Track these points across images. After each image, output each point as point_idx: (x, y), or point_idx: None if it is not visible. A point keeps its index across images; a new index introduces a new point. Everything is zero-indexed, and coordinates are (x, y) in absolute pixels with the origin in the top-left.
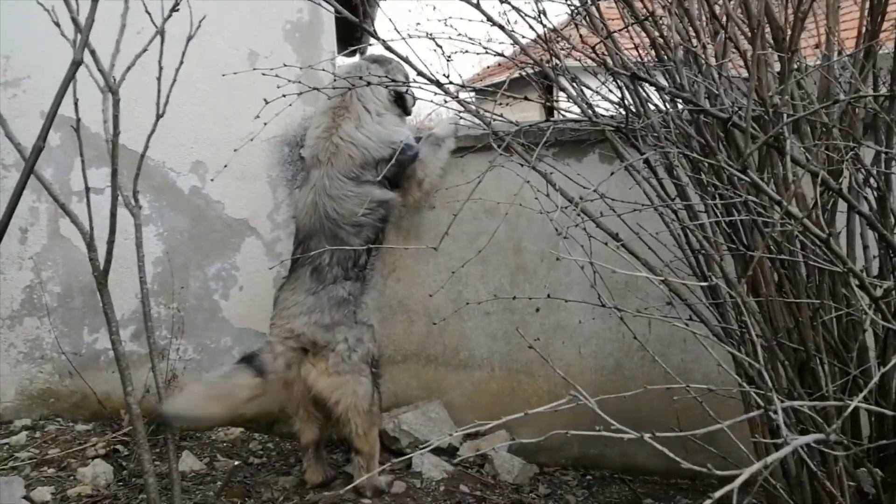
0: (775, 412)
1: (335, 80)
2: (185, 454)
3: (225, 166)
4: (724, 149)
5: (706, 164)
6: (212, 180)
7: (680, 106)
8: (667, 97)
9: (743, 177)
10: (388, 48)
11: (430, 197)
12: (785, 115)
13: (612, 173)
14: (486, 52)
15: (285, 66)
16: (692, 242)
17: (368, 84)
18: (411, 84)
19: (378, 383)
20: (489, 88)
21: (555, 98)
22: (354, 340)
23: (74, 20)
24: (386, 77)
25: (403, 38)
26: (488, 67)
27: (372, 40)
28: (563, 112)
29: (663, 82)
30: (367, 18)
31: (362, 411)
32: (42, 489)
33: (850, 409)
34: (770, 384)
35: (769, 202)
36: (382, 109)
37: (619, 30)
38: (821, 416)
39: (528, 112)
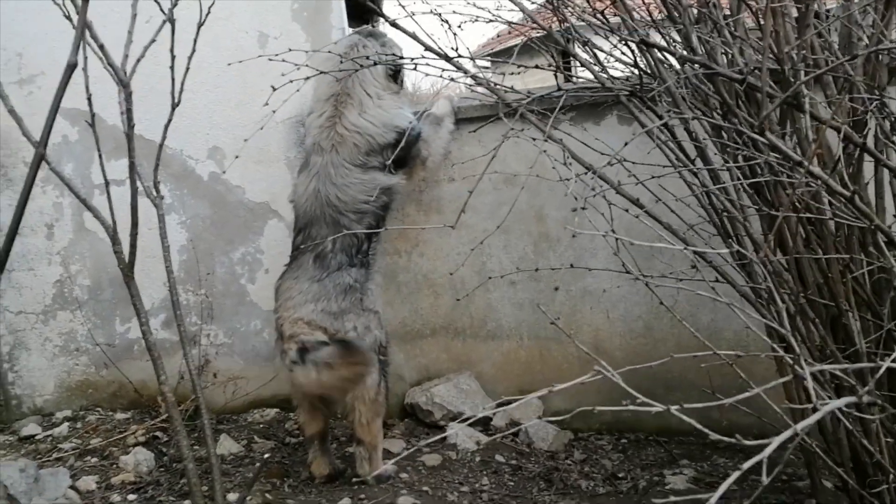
0: (804, 378)
1: (341, 62)
2: (223, 437)
3: (237, 157)
4: (743, 105)
5: (725, 125)
6: (223, 172)
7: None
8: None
9: (761, 139)
10: (396, 26)
11: (436, 173)
12: (802, 73)
13: (627, 143)
14: (496, 21)
15: (291, 50)
16: (715, 204)
17: (375, 64)
18: (416, 59)
19: (385, 371)
20: (499, 60)
21: (569, 64)
22: (363, 328)
23: (69, 18)
24: (382, 52)
25: (410, 15)
26: (498, 36)
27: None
28: (577, 78)
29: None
30: None
31: (368, 400)
32: (87, 479)
33: (882, 370)
34: (797, 349)
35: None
36: (382, 91)
37: None
38: (855, 375)
39: (543, 75)
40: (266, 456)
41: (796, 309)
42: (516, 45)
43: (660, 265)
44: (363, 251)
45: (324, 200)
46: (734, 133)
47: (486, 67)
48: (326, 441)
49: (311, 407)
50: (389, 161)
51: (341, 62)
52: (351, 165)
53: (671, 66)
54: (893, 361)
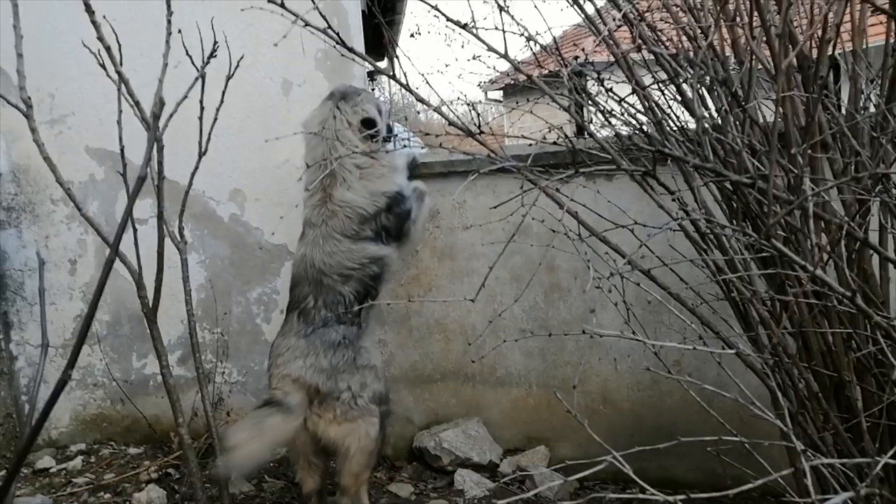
0: (805, 475)
1: (312, 136)
2: (235, 476)
3: (257, 199)
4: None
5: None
6: (240, 213)
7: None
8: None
9: (766, 245)
10: (409, 90)
11: (451, 220)
12: (809, 187)
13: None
14: (509, 76)
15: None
16: (723, 271)
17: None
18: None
19: (385, 423)
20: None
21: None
22: (359, 386)
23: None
24: (353, 116)
25: (426, 81)
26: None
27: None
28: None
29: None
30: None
31: (368, 451)
32: None
33: (880, 466)
34: (799, 446)
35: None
36: (362, 161)
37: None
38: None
39: (551, 111)
40: (276, 496)
41: (797, 404)
42: (525, 81)
43: (668, 317)
44: (351, 311)
45: (308, 262)
46: (742, 233)
47: (497, 100)
48: (324, 497)
49: (308, 463)
50: (381, 229)
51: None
52: (341, 236)
53: (685, 144)
54: (892, 458)
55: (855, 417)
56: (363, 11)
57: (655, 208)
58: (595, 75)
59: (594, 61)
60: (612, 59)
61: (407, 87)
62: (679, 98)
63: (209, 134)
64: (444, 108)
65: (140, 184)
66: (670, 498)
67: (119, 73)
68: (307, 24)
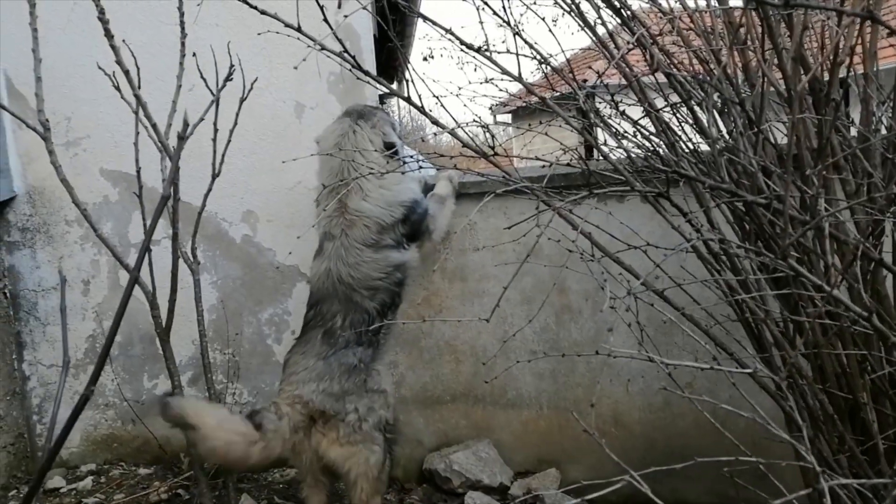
0: (823, 495)
1: (328, 151)
2: (244, 497)
3: (269, 220)
4: (767, 223)
5: (749, 248)
6: (252, 234)
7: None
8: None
9: (782, 264)
10: (423, 113)
11: (462, 242)
12: (823, 208)
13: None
14: (521, 99)
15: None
16: (735, 290)
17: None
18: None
19: (392, 449)
20: (532, 158)
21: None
22: (365, 409)
23: (118, 88)
24: (372, 135)
25: (441, 104)
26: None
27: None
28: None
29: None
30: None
31: (371, 478)
32: None
33: None
34: (816, 467)
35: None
36: (379, 170)
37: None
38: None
39: (563, 133)
40: None
41: (812, 426)
42: (534, 107)
43: (680, 337)
44: (373, 329)
45: (335, 278)
46: (755, 253)
47: (507, 123)
48: None
49: (315, 481)
50: (401, 237)
51: (340, 148)
52: (363, 246)
53: (697, 166)
54: None
55: (870, 440)
56: (374, 36)
57: (666, 230)
58: (607, 98)
59: (607, 84)
60: (622, 81)
61: (422, 110)
62: (691, 121)
63: (223, 156)
64: (457, 130)
65: (164, 203)
66: None
67: (137, 96)
68: (323, 48)
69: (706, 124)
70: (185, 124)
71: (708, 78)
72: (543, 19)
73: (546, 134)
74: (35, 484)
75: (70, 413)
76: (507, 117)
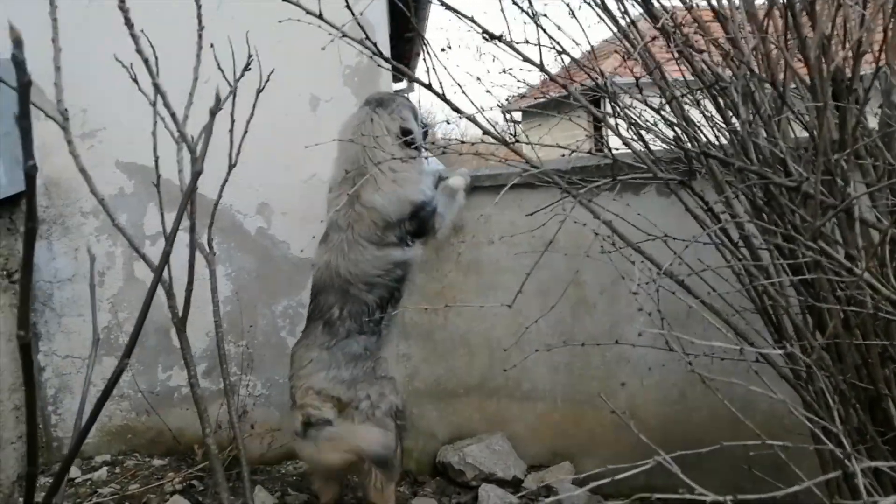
0: (854, 475)
1: (348, 139)
2: (258, 489)
3: (284, 213)
4: (790, 204)
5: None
6: (266, 227)
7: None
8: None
9: (813, 246)
10: (445, 101)
11: (477, 236)
12: (853, 188)
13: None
14: (541, 90)
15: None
16: (758, 288)
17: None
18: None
19: (402, 436)
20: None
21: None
22: (377, 396)
23: (135, 80)
24: (390, 122)
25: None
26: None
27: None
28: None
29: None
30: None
31: (384, 462)
32: None
33: None
34: (848, 447)
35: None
36: (396, 164)
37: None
38: None
39: (576, 130)
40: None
41: (836, 394)
42: (551, 98)
43: (697, 329)
44: (375, 319)
45: (334, 271)
46: (781, 234)
47: (518, 122)
48: None
49: (325, 474)
50: (406, 234)
51: (361, 134)
52: (367, 242)
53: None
54: None
55: (892, 431)
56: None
57: (681, 221)
58: (625, 90)
59: (617, 81)
60: (635, 77)
61: (443, 98)
62: (713, 110)
63: (239, 146)
64: (477, 117)
65: (188, 197)
66: (720, 498)
67: (156, 84)
68: (345, 35)
69: (738, 103)
70: (215, 109)
71: (733, 62)
72: (568, 4)
73: (568, 119)
74: (64, 464)
75: (105, 386)
76: (518, 116)
